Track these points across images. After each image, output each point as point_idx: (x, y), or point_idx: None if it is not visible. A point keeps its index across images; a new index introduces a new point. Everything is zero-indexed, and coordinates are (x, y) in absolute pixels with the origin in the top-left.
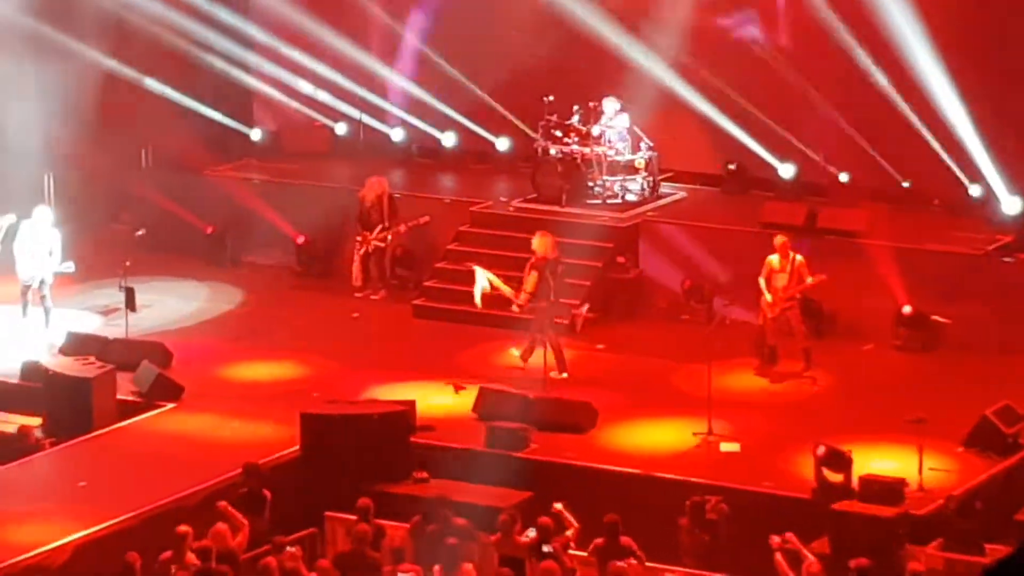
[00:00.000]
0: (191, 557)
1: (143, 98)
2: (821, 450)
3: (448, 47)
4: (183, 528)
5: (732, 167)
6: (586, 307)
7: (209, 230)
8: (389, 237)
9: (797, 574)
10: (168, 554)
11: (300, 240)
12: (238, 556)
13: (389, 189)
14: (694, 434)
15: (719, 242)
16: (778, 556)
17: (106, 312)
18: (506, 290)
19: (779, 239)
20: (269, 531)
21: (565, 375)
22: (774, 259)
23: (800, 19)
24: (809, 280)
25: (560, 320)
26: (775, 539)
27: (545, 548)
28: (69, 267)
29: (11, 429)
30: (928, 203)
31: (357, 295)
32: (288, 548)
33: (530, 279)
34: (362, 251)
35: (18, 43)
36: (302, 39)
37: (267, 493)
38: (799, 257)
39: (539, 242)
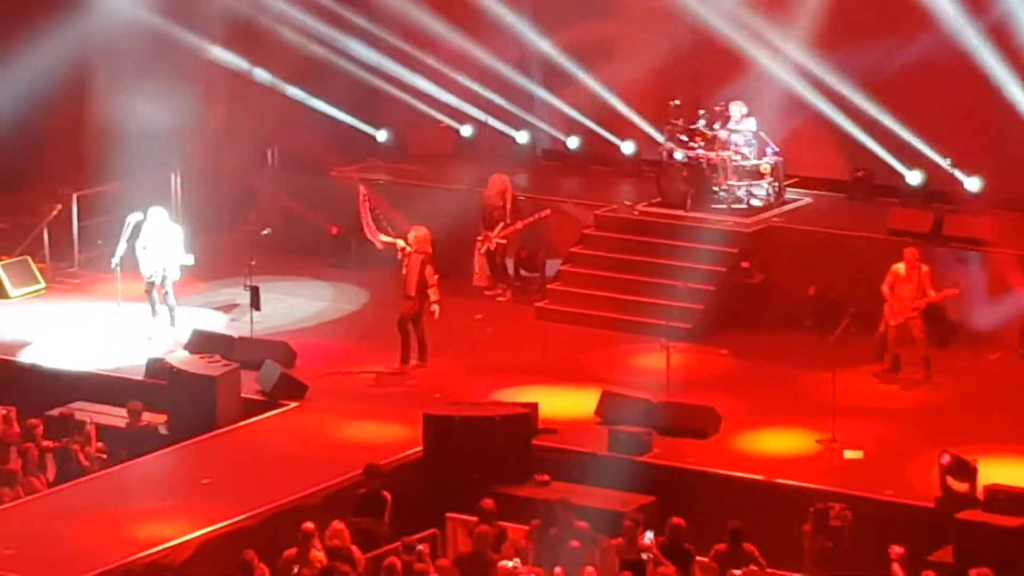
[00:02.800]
0: (316, 555)
1: (270, 98)
2: (946, 459)
3: (575, 49)
4: (308, 526)
5: (859, 173)
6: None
7: (335, 231)
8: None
9: None
10: (292, 551)
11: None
12: (357, 556)
13: (512, 187)
14: (818, 441)
15: (845, 248)
16: (896, 567)
17: (229, 310)
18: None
19: (909, 249)
20: (388, 532)
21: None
22: (900, 268)
23: (931, 25)
24: (932, 293)
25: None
26: (895, 549)
27: (644, 556)
28: (188, 259)
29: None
30: None
31: (487, 292)
32: (418, 546)
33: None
34: (483, 249)
35: (147, 42)
36: (429, 40)
37: (387, 495)
38: (925, 268)
39: (416, 236)
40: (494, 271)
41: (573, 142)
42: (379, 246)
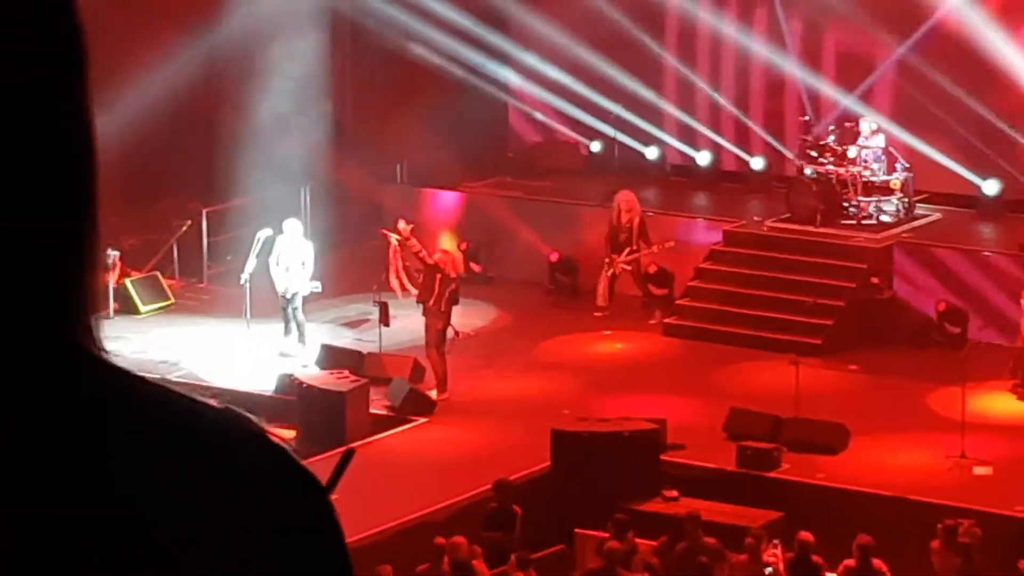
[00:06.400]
0: (447, 570)
1: (399, 113)
2: None
3: (705, 66)
4: (441, 540)
5: (989, 189)
6: (469, 331)
7: (463, 246)
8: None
9: None
10: (425, 566)
11: (553, 257)
12: (480, 570)
13: (640, 209)
14: (947, 457)
15: (975, 264)
16: None
17: (356, 325)
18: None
19: None
20: (519, 547)
21: (443, 395)
22: None
23: None
24: None
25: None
26: None
27: (768, 571)
28: (316, 287)
29: None
30: None
31: (597, 314)
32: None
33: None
34: (609, 272)
35: (279, 55)
36: (558, 55)
37: (517, 509)
38: None
39: (442, 255)
40: (644, 295)
41: (703, 158)
42: (401, 295)
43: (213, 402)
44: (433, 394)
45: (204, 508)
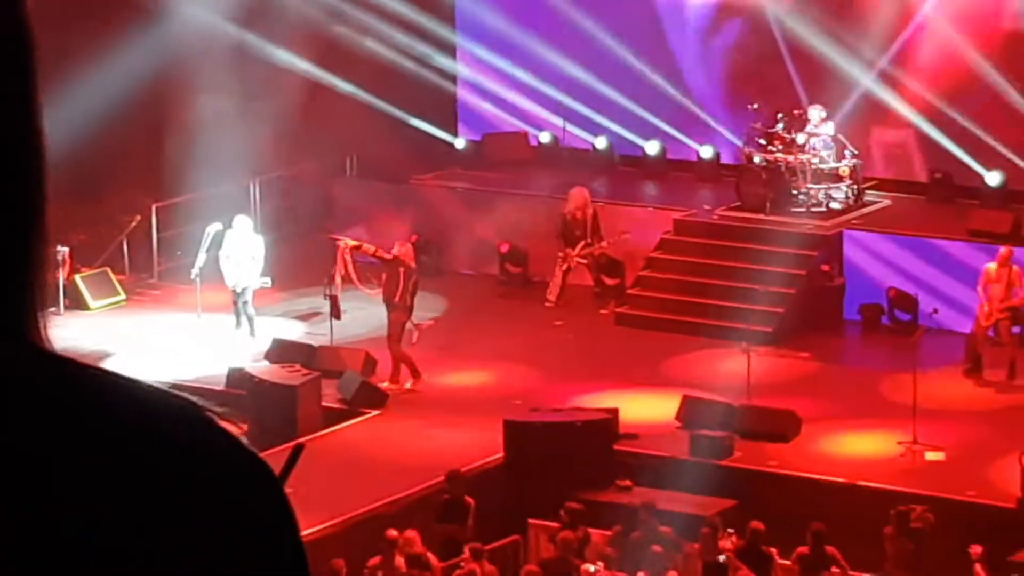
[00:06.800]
0: (399, 562)
1: (348, 107)
2: None
3: (652, 54)
4: (392, 533)
5: (938, 175)
6: (429, 321)
7: (414, 239)
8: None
9: None
10: (377, 559)
11: (503, 248)
12: (433, 563)
13: (592, 202)
14: (899, 443)
15: (924, 250)
16: (978, 567)
17: (308, 318)
18: (368, 287)
19: (1004, 249)
20: (472, 538)
21: (418, 381)
22: (991, 267)
23: (1004, 21)
24: (1021, 294)
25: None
26: (974, 549)
27: (721, 558)
28: (267, 282)
29: None
30: None
31: (548, 305)
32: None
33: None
34: (564, 267)
35: (224, 52)
36: (506, 46)
37: (470, 500)
38: (1016, 268)
39: (401, 248)
40: (597, 285)
41: (652, 147)
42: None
43: (165, 389)
44: (408, 384)
45: (158, 497)
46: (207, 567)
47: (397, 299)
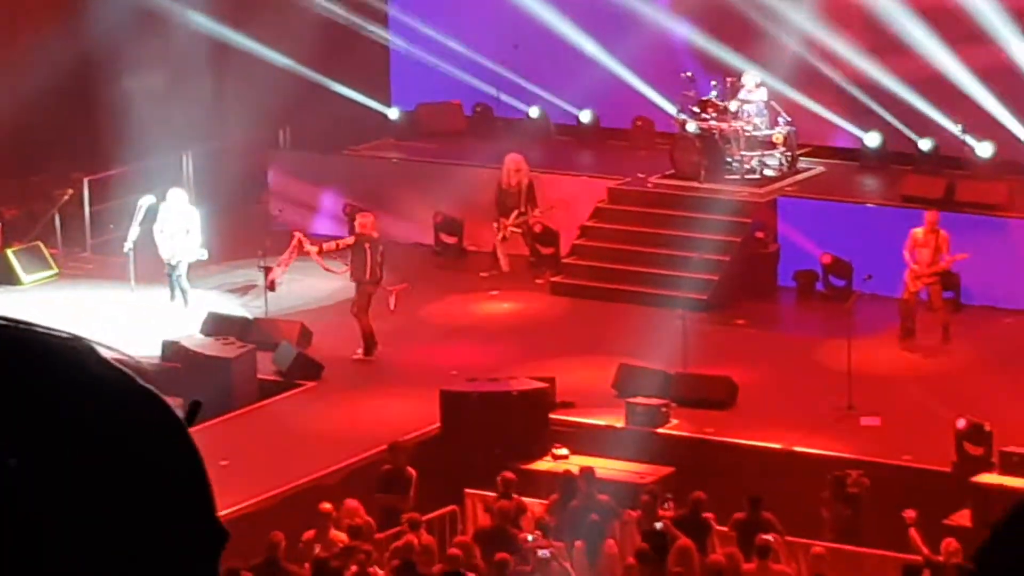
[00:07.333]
0: (335, 535)
1: (280, 78)
2: (961, 423)
3: (585, 22)
4: (326, 506)
5: (871, 141)
6: (402, 284)
7: (346, 210)
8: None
9: (933, 549)
10: (311, 533)
11: (438, 219)
12: (374, 533)
13: (528, 171)
14: (834, 408)
15: (858, 217)
16: (912, 531)
17: (243, 291)
18: (334, 266)
19: (930, 214)
20: (412, 509)
21: (365, 356)
22: (918, 232)
23: None
24: (945, 258)
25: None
26: (908, 513)
27: (657, 525)
28: (203, 254)
29: None
30: None
31: (483, 275)
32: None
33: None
34: (499, 237)
35: (154, 23)
36: (439, 16)
37: (412, 471)
38: (944, 233)
39: (361, 221)
40: (532, 254)
41: (586, 116)
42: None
43: (57, 332)
44: (358, 353)
45: (60, 433)
46: (106, 490)
47: (368, 276)
